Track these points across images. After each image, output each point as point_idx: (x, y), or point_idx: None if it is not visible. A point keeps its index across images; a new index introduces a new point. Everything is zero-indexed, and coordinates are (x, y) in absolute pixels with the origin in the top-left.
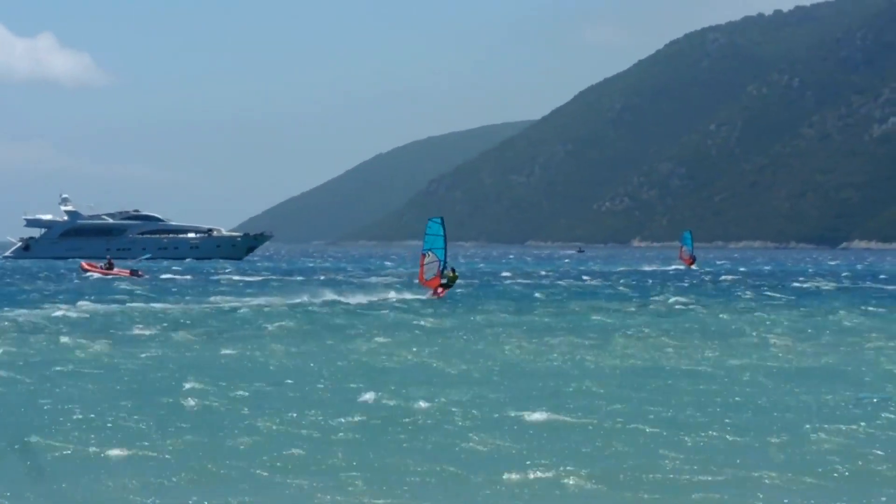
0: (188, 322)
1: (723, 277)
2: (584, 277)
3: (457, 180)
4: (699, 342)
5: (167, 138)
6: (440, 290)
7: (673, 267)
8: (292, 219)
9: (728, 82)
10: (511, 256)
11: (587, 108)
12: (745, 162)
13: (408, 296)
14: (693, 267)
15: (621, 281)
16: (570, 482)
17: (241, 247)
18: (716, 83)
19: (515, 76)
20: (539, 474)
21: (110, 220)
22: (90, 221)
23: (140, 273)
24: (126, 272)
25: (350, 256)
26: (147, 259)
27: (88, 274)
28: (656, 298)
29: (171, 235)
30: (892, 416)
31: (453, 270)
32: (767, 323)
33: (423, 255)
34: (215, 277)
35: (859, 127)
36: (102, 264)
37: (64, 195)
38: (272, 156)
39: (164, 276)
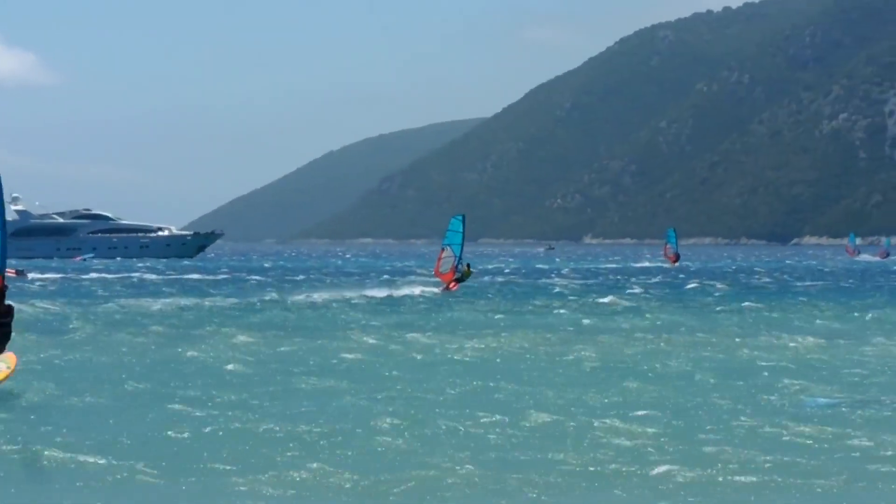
0: (37, 322)
1: (633, 279)
2: (500, 278)
3: (409, 178)
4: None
5: (116, 137)
6: (453, 284)
7: (657, 264)
8: (244, 217)
9: (678, 79)
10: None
11: (538, 106)
12: (696, 159)
13: (324, 295)
14: (676, 264)
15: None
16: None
17: (192, 246)
18: (666, 80)
19: (467, 74)
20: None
21: (60, 220)
22: (41, 221)
23: (25, 272)
24: (12, 272)
25: (284, 255)
26: (89, 258)
27: None
28: (536, 301)
29: (121, 235)
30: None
31: (468, 266)
32: (636, 320)
33: (442, 250)
34: (128, 276)
35: (809, 124)
36: None
37: (14, 194)
38: (223, 154)
39: (65, 275)
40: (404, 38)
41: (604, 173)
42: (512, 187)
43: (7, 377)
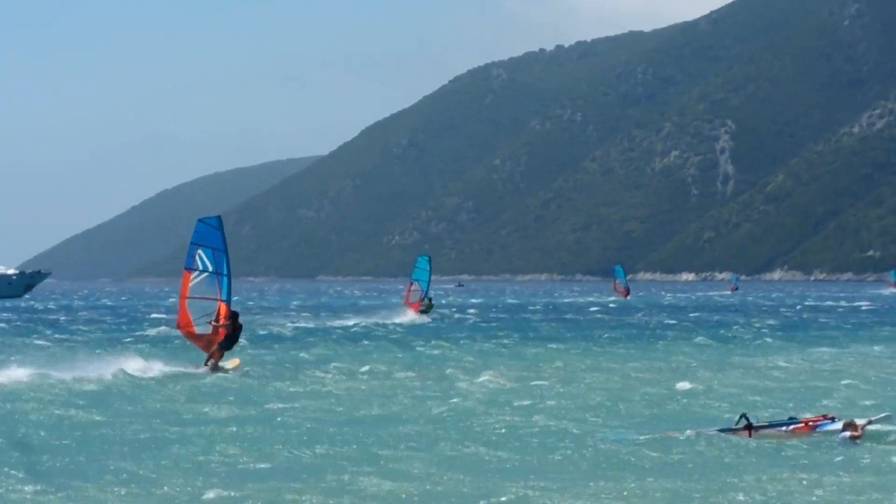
0: None
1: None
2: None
3: (244, 216)
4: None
5: None
6: (419, 313)
7: (612, 299)
8: (79, 256)
9: (511, 117)
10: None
11: (374, 144)
12: (530, 196)
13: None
14: (628, 298)
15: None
16: None
17: (18, 285)
18: (499, 118)
19: (304, 112)
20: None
21: None
22: None
23: None
24: None
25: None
26: None
27: None
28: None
29: None
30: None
31: (430, 300)
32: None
33: (411, 284)
34: None
35: (641, 160)
36: None
37: None
38: (56, 193)
39: None
40: (237, 78)
41: (440, 210)
42: (349, 224)
43: (236, 367)
